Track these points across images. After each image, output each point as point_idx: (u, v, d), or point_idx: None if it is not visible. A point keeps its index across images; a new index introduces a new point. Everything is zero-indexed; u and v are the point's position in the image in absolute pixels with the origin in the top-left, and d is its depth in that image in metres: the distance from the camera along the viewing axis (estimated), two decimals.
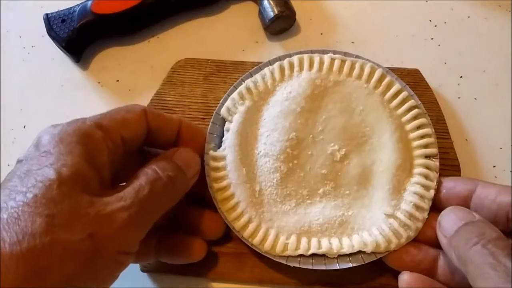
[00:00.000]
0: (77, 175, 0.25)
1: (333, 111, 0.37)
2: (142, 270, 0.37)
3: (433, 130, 0.36)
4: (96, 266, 0.24)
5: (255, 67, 0.40)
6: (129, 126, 0.30)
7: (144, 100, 0.43)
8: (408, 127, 0.36)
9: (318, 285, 0.36)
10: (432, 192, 0.34)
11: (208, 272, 0.36)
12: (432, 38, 0.47)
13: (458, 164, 0.39)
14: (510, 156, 0.41)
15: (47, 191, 0.24)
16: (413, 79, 0.42)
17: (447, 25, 0.47)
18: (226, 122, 0.38)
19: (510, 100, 0.43)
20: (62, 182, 0.24)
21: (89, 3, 0.45)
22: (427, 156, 0.36)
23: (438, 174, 0.35)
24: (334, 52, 0.39)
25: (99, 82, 0.46)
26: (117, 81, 0.46)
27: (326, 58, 0.38)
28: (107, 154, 0.28)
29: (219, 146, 0.38)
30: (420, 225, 0.33)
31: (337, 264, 0.34)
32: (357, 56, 0.39)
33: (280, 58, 0.39)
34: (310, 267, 0.34)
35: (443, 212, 0.31)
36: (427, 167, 0.35)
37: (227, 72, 0.43)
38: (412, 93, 0.38)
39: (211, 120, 0.38)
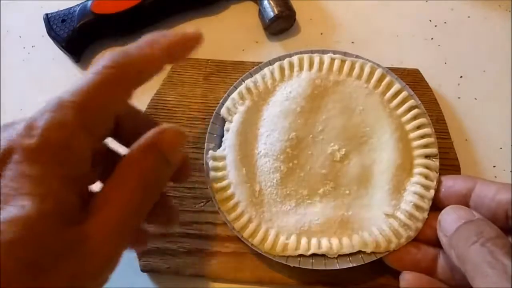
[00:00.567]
0: (59, 206, 0.22)
1: (333, 111, 0.37)
2: (142, 270, 0.37)
3: (433, 130, 0.36)
4: None
5: (255, 67, 0.40)
6: (116, 110, 0.25)
7: (144, 100, 0.43)
8: (408, 127, 0.37)
9: (318, 285, 0.36)
10: (432, 192, 0.34)
11: (208, 272, 0.36)
12: (432, 38, 0.47)
13: (458, 164, 0.39)
14: (510, 156, 0.41)
15: (27, 232, 0.20)
16: (413, 79, 0.42)
17: (447, 25, 0.47)
18: (226, 122, 0.38)
19: (510, 100, 0.43)
20: (43, 219, 0.21)
21: (89, 3, 0.45)
22: (427, 156, 0.36)
23: (438, 174, 0.35)
24: (334, 52, 0.39)
25: None
26: None
27: (326, 58, 0.38)
28: (90, 160, 0.24)
29: (219, 146, 0.38)
30: (420, 225, 0.33)
31: (337, 264, 0.34)
32: (357, 56, 0.39)
33: (280, 58, 0.39)
34: (310, 267, 0.34)
35: (443, 211, 0.31)
36: (427, 167, 0.35)
37: (227, 72, 0.43)
38: (412, 93, 0.38)
39: (211, 120, 0.38)
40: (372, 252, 0.33)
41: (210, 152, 0.36)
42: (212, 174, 0.36)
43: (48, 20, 0.46)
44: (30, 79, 0.47)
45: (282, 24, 0.46)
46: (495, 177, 0.40)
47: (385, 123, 0.36)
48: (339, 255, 0.34)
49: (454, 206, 0.31)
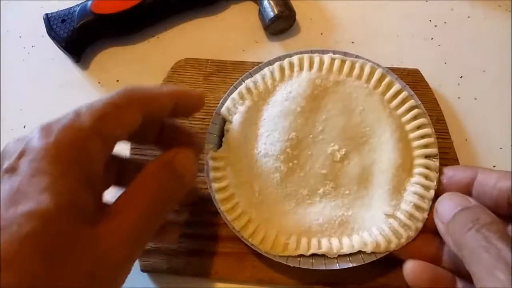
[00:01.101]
0: (75, 203, 0.22)
1: (333, 111, 0.37)
2: (142, 270, 0.37)
3: (433, 130, 0.36)
4: None
5: (255, 67, 0.40)
6: (127, 122, 0.26)
7: None
8: (408, 127, 0.36)
9: (318, 285, 0.36)
10: (432, 192, 0.34)
11: (208, 272, 0.36)
12: (432, 38, 0.47)
13: (458, 164, 0.39)
14: (510, 156, 0.41)
15: (45, 226, 0.21)
16: (413, 79, 0.42)
17: (447, 25, 0.48)
18: (226, 122, 0.38)
19: (510, 100, 0.43)
20: (61, 214, 0.22)
21: (89, 3, 0.45)
22: (427, 156, 0.36)
23: (438, 174, 0.35)
24: (334, 52, 0.39)
25: (99, 82, 0.46)
26: (117, 81, 0.46)
27: (326, 58, 0.38)
28: (103, 165, 0.25)
29: (219, 146, 0.38)
30: (420, 225, 0.33)
31: (337, 264, 0.34)
32: (357, 56, 0.39)
33: (280, 58, 0.39)
34: (310, 267, 0.34)
35: (439, 199, 0.32)
36: (427, 167, 0.35)
37: (227, 72, 0.43)
38: (412, 93, 0.38)
39: (211, 120, 0.38)
40: (372, 252, 0.33)
41: (210, 152, 0.36)
42: (212, 174, 0.36)
43: (48, 20, 0.45)
44: (30, 79, 0.47)
45: (282, 24, 0.46)
46: None
47: (385, 123, 0.36)
48: (339, 255, 0.34)
49: (451, 193, 0.31)
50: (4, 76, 0.47)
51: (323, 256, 0.34)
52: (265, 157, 0.36)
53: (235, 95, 0.38)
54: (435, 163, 0.35)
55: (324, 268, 0.34)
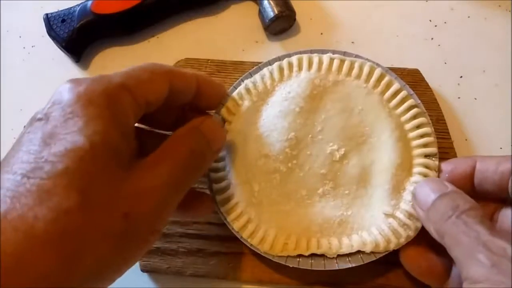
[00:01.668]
0: (109, 145, 0.23)
1: (332, 111, 0.37)
2: (142, 270, 0.37)
3: (433, 129, 0.36)
4: (127, 247, 0.23)
5: (254, 67, 0.40)
6: (155, 89, 0.27)
7: None
8: (408, 126, 0.36)
9: (317, 285, 0.36)
10: None
11: (208, 272, 0.36)
12: (432, 38, 0.47)
13: None
14: (510, 156, 0.41)
15: (81, 163, 0.21)
16: (413, 79, 0.42)
17: (447, 25, 0.47)
18: (226, 123, 0.38)
19: (510, 100, 0.43)
20: (96, 153, 0.22)
21: (89, 3, 0.45)
22: (426, 156, 0.36)
23: (437, 173, 0.35)
24: (334, 52, 0.39)
25: None
26: None
27: (325, 58, 0.38)
28: (133, 120, 0.26)
29: None
30: (419, 224, 0.33)
31: (336, 264, 0.34)
32: (356, 56, 0.39)
33: (279, 58, 0.39)
34: (309, 267, 0.34)
35: (416, 185, 0.32)
36: (427, 167, 0.35)
37: (227, 72, 0.44)
38: (412, 92, 0.38)
39: None
40: (372, 252, 0.33)
41: None
42: (212, 174, 0.36)
43: (48, 20, 0.46)
44: (30, 79, 0.47)
45: (282, 24, 0.46)
46: None
47: (384, 123, 0.36)
48: (338, 255, 0.34)
49: (427, 179, 0.32)
50: (4, 76, 0.47)
51: (322, 256, 0.34)
52: (264, 158, 0.36)
53: (234, 95, 0.38)
54: (435, 162, 0.35)
55: (323, 268, 0.34)
